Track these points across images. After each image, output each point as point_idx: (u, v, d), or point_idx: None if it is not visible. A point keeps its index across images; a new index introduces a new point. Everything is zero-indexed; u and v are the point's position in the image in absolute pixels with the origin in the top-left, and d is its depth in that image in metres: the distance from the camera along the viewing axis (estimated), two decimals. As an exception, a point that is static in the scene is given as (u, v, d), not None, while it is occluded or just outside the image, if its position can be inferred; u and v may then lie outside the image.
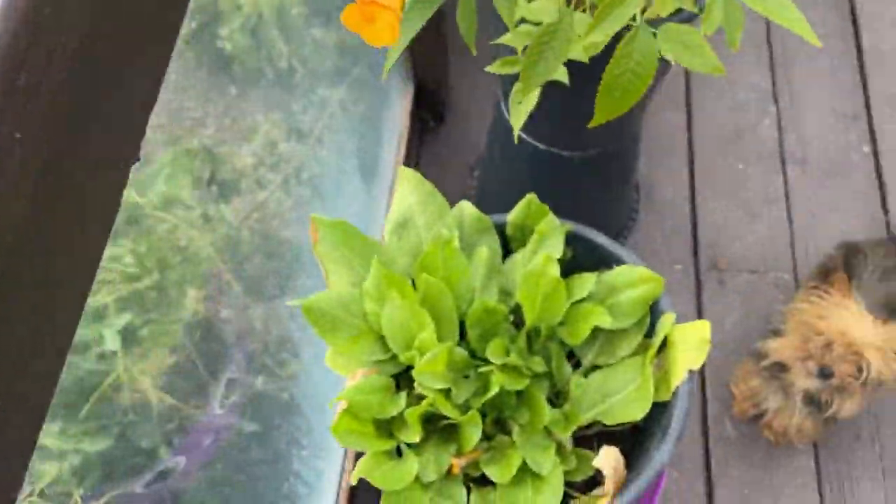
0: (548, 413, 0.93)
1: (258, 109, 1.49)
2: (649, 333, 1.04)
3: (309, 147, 1.61)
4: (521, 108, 0.95)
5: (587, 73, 1.27)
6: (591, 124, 0.68)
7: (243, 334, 1.39)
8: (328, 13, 1.64)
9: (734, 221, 1.94)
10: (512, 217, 1.07)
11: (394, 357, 0.97)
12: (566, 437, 1.01)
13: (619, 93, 0.66)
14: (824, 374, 1.33)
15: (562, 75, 0.98)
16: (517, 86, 0.75)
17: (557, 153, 1.56)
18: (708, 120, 2.08)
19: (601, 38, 0.66)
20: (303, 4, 1.58)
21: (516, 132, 1.01)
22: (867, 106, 2.07)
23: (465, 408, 0.94)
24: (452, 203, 1.99)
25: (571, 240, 1.08)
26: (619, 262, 1.05)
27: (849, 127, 2.05)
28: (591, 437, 1.09)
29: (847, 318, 1.32)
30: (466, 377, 0.97)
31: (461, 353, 0.95)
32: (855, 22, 2.20)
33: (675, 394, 0.96)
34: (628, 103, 0.67)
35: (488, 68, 1.01)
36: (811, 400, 1.45)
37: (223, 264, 1.34)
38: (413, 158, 2.03)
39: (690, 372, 0.95)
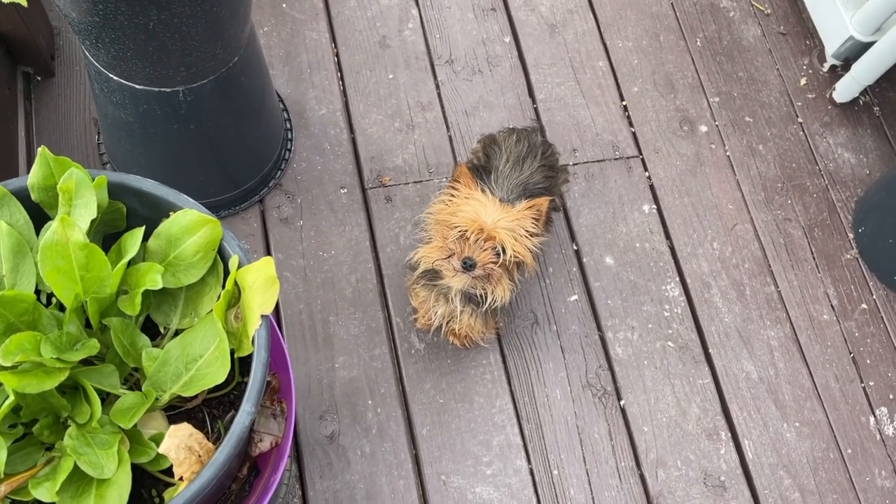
0: (99, 407, 0.78)
1: None
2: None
3: None
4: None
5: (157, 6, 1.08)
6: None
7: None
8: None
9: (392, 133, 1.88)
10: (32, 179, 0.88)
11: None
12: (154, 423, 0.87)
13: None
14: (467, 265, 1.31)
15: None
16: None
17: (158, 91, 1.37)
18: (352, 32, 1.98)
19: None
20: None
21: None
22: (503, -4, 2.08)
23: (-8, 425, 0.76)
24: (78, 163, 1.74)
25: (119, 192, 0.91)
26: (173, 207, 0.90)
27: (489, 20, 2.04)
28: (201, 407, 0.96)
29: (476, 207, 1.31)
30: (-1, 385, 0.79)
31: (-27, 361, 0.77)
32: (482, -87, 2.19)
33: (253, 343, 0.85)
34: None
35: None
36: (469, 298, 1.44)
37: None
38: (23, 120, 1.72)
39: (264, 317, 0.84)
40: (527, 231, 1.35)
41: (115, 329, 0.86)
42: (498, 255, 1.32)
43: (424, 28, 2.01)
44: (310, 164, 1.82)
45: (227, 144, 1.60)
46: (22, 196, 0.88)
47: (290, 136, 1.82)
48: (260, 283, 0.84)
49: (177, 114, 1.42)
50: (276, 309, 1.67)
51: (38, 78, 1.79)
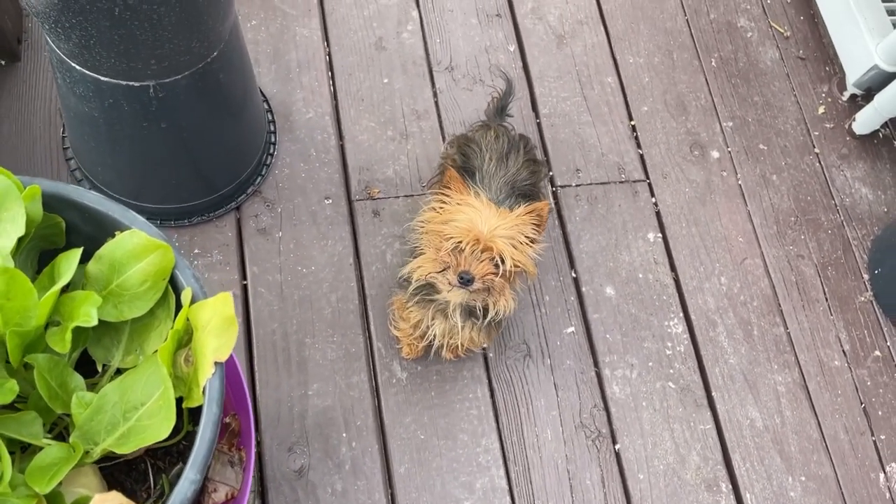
0: (9, 467, 0.65)
1: None
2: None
3: None
4: None
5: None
6: None
7: None
8: None
9: (384, 142, 1.75)
10: (-51, 185, 0.74)
11: None
12: (83, 480, 0.73)
13: None
14: (464, 279, 1.18)
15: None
16: None
17: (126, 84, 1.23)
18: (346, 31, 1.85)
19: None
20: None
21: None
22: (509, 2, 1.95)
23: None
24: (41, 160, 1.60)
25: (59, 205, 0.77)
26: (119, 226, 0.77)
27: (493, 26, 1.92)
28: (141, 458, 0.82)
29: (471, 215, 1.18)
30: None
31: None
32: (491, -87, 2.06)
33: (205, 394, 0.72)
34: None
35: None
36: (470, 312, 1.32)
37: None
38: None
39: (217, 364, 0.71)
40: (527, 237, 1.23)
41: (41, 368, 0.72)
42: (497, 266, 1.19)
43: (424, 31, 1.88)
44: (293, 171, 1.68)
45: (202, 146, 1.47)
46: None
47: (273, 139, 1.69)
48: (216, 324, 0.71)
49: (146, 111, 1.29)
50: (247, 327, 1.53)
51: (2, 62, 1.65)
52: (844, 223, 1.84)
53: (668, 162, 1.83)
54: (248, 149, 1.59)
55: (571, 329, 1.64)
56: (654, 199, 1.79)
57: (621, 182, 1.79)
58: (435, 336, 1.40)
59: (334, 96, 1.78)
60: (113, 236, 0.77)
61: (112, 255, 0.74)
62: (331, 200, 1.67)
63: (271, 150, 1.67)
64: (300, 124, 1.73)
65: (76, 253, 0.72)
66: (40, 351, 0.73)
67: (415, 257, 1.31)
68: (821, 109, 1.96)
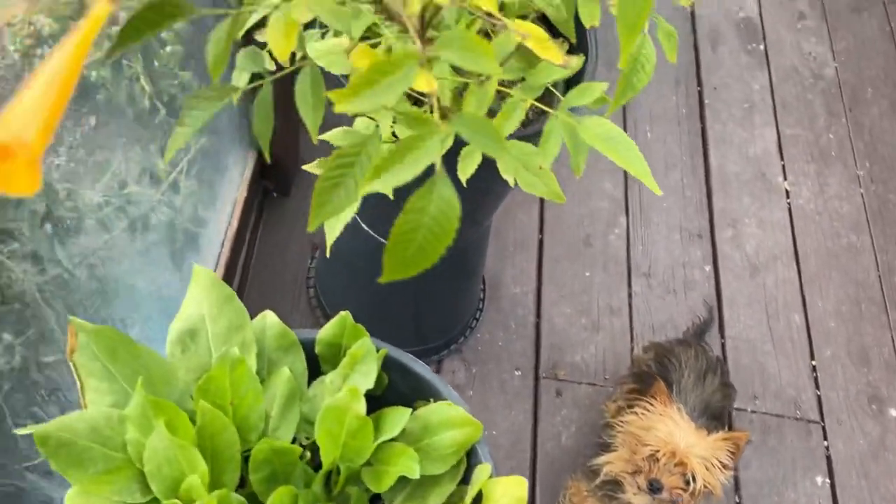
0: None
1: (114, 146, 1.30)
2: (465, 480, 0.92)
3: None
4: (333, 226, 0.83)
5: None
6: (382, 280, 0.54)
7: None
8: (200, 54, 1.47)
9: (577, 329, 1.90)
10: (323, 334, 0.93)
11: (155, 501, 0.79)
12: None
13: (414, 251, 0.53)
14: (654, 487, 1.27)
15: (386, 190, 0.86)
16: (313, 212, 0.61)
17: (399, 248, 1.44)
18: (560, 223, 2.05)
19: (388, 188, 0.54)
20: (177, 43, 1.42)
21: (328, 247, 0.89)
22: (711, 226, 2.12)
23: (234, 570, 0.77)
24: (287, 284, 1.84)
25: (388, 364, 0.95)
26: (437, 395, 0.93)
27: (693, 245, 2.08)
28: None
29: (671, 428, 1.28)
30: (245, 528, 0.81)
31: (239, 501, 0.79)
32: (705, 142, 2.28)
33: (484, 561, 0.84)
34: (427, 261, 0.54)
35: (306, 167, 0.89)
36: None
37: (49, 308, 1.12)
38: (251, 230, 1.86)
39: (502, 537, 0.84)
40: (720, 462, 1.31)
41: (354, 500, 0.87)
42: (687, 482, 1.28)
43: (629, 237, 2.06)
44: (492, 338, 1.85)
45: (433, 304, 1.66)
46: (307, 346, 0.93)
47: (481, 306, 1.87)
48: (506, 502, 0.84)
49: (404, 270, 1.49)
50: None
51: (275, 194, 1.94)
52: None
53: (844, 409, 1.87)
54: (463, 311, 1.77)
55: (728, 554, 1.66)
56: (826, 443, 1.82)
57: (796, 419, 1.84)
58: None
59: (539, 278, 1.96)
60: (427, 401, 0.93)
61: (428, 419, 0.90)
62: (520, 372, 1.82)
63: (478, 316, 1.85)
64: (506, 297, 1.91)
65: (406, 413, 0.88)
66: (354, 484, 0.89)
67: (607, 452, 1.41)
68: None
